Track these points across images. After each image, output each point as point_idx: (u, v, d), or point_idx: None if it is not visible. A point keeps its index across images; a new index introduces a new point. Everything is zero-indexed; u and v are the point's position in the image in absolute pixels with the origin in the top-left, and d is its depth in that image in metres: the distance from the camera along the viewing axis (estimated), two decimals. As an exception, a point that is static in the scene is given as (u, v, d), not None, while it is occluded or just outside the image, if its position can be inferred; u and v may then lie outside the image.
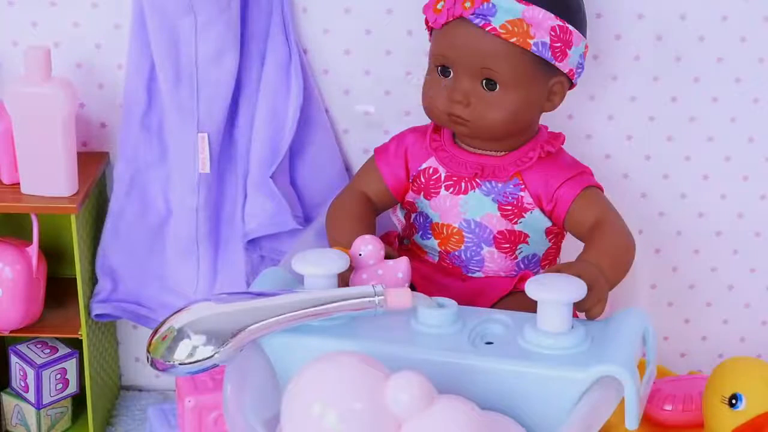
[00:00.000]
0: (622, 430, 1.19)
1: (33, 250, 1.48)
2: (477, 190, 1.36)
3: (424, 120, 1.44)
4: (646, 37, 1.50)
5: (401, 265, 1.28)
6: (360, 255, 1.28)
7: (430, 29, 1.36)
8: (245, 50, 1.48)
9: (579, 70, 1.35)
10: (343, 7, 1.50)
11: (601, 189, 1.37)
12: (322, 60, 1.52)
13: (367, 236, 1.29)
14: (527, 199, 1.35)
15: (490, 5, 1.29)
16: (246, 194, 1.51)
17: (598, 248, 1.29)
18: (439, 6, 1.32)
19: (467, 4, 1.30)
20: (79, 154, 1.47)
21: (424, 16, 1.35)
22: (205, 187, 1.50)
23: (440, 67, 1.34)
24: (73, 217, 1.44)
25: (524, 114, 1.34)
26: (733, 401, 1.36)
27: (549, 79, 1.34)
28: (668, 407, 1.43)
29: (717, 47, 1.51)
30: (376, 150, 1.42)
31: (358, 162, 1.55)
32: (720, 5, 1.49)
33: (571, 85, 1.37)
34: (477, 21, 1.30)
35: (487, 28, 1.29)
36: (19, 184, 1.47)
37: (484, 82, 1.32)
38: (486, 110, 1.32)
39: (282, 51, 1.48)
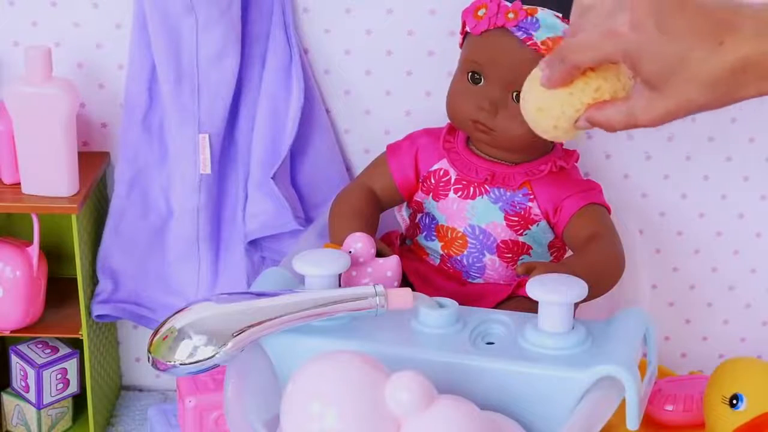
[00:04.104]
0: (623, 430, 1.19)
1: (33, 250, 1.48)
2: (485, 196, 1.36)
3: (425, 121, 1.44)
4: (646, 37, 1.50)
5: (391, 263, 1.28)
6: (350, 252, 1.28)
7: (464, 34, 1.36)
8: (246, 51, 1.48)
9: None
10: (343, 7, 1.50)
11: (608, 209, 1.36)
12: (323, 60, 1.52)
13: (357, 234, 1.29)
14: (535, 210, 1.35)
15: (534, 20, 1.29)
16: (247, 195, 1.51)
17: (579, 257, 1.30)
18: (480, 13, 1.32)
19: (510, 15, 1.29)
20: (80, 154, 1.47)
21: (462, 20, 1.35)
22: (206, 187, 1.50)
23: (471, 73, 1.34)
24: (73, 217, 1.45)
25: None
26: (734, 401, 1.36)
27: None
28: (669, 407, 1.43)
29: (717, 47, 1.51)
30: (389, 146, 1.42)
31: (358, 162, 1.55)
32: (720, 5, 1.49)
33: None
34: (519, 34, 1.29)
35: (528, 42, 1.29)
36: (19, 184, 1.47)
37: (514, 94, 1.32)
38: (512, 122, 1.32)
39: (283, 51, 1.49)
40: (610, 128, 1.10)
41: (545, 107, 1.11)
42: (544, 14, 1.30)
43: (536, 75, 1.12)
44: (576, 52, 1.07)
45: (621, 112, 1.08)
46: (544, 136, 1.14)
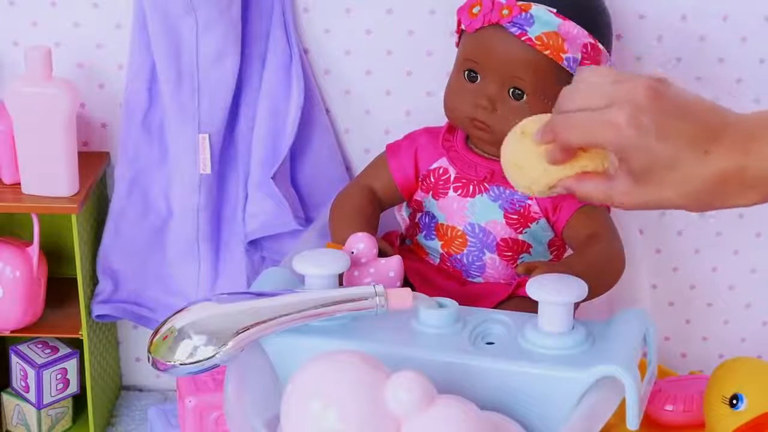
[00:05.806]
0: (622, 430, 1.19)
1: (34, 250, 1.48)
2: (485, 194, 1.36)
3: (425, 120, 1.44)
4: (646, 37, 1.50)
5: (393, 263, 1.28)
6: (352, 253, 1.28)
7: (460, 33, 1.36)
8: (246, 51, 1.48)
9: None
10: (343, 7, 1.50)
11: (608, 207, 1.36)
12: (323, 60, 1.52)
13: (360, 234, 1.29)
14: (534, 208, 1.35)
15: (528, 15, 1.29)
16: (247, 195, 1.51)
17: (579, 256, 1.30)
18: (474, 10, 1.32)
19: (505, 12, 1.30)
20: (80, 154, 1.47)
21: (457, 18, 1.35)
22: (206, 187, 1.50)
23: (467, 71, 1.34)
24: (73, 217, 1.45)
25: None
26: (734, 401, 1.36)
27: None
28: (669, 407, 1.43)
29: (717, 47, 1.51)
30: (388, 146, 1.42)
31: (359, 162, 1.55)
32: (720, 5, 1.49)
33: None
34: (513, 30, 1.30)
35: (523, 38, 1.29)
36: (19, 184, 1.47)
37: (511, 90, 1.32)
38: (511, 119, 1.31)
39: (283, 51, 1.49)
40: (587, 201, 1.13)
41: (524, 166, 1.14)
42: (538, 10, 1.30)
43: (523, 129, 1.14)
44: (568, 132, 1.08)
45: (600, 190, 1.10)
46: (515, 187, 1.16)
